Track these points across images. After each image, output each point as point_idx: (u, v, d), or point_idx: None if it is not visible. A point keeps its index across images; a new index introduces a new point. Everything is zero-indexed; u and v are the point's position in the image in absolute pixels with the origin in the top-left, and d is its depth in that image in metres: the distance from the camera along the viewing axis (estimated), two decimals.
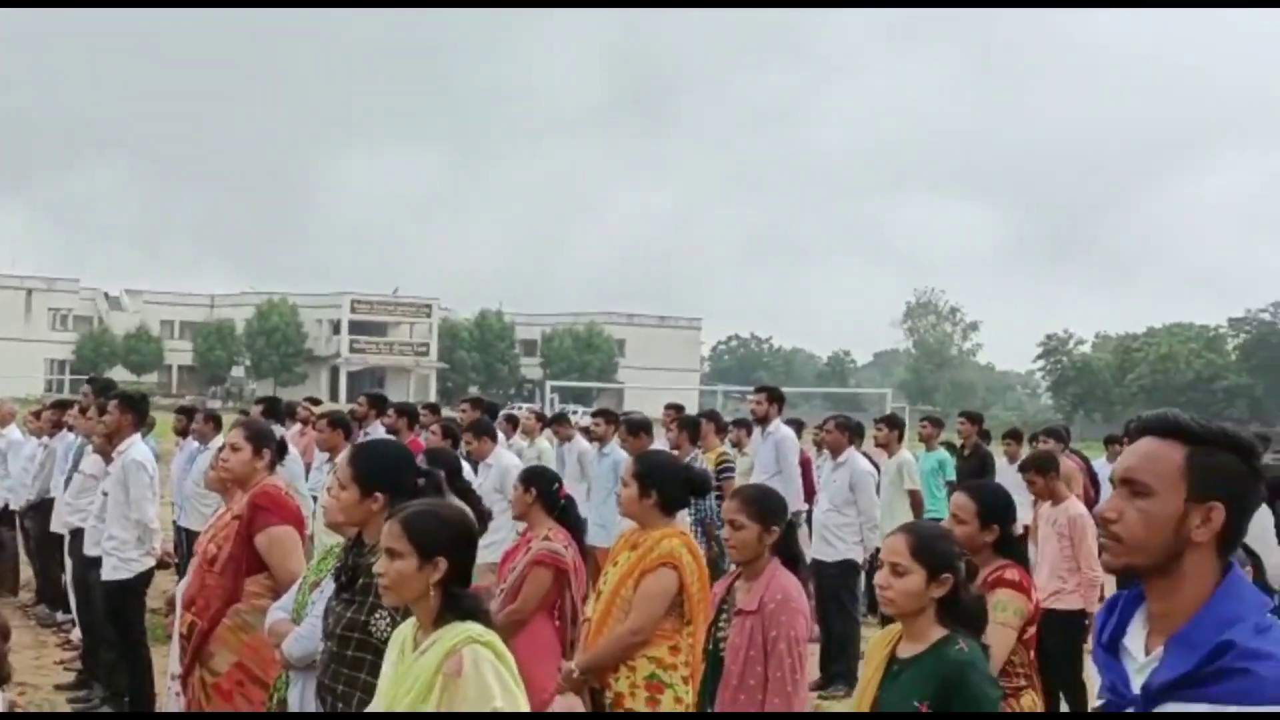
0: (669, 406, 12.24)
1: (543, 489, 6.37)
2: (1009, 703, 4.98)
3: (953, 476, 12.87)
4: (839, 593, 10.35)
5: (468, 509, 6.87)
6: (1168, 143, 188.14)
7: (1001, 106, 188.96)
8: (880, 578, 4.17)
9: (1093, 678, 2.58)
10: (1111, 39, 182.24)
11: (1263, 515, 8.96)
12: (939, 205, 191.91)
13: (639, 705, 5.38)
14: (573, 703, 5.53)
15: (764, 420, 11.28)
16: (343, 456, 4.98)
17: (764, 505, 5.09)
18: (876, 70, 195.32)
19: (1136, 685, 2.42)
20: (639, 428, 10.85)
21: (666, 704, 5.39)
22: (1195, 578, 2.42)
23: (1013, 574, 5.06)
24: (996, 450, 14.91)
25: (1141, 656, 2.45)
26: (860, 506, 10.41)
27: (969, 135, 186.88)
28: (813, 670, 10.34)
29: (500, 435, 13.86)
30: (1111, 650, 2.52)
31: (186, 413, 12.59)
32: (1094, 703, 2.52)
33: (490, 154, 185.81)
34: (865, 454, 11.95)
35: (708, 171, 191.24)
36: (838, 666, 10.30)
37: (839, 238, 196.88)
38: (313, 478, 11.20)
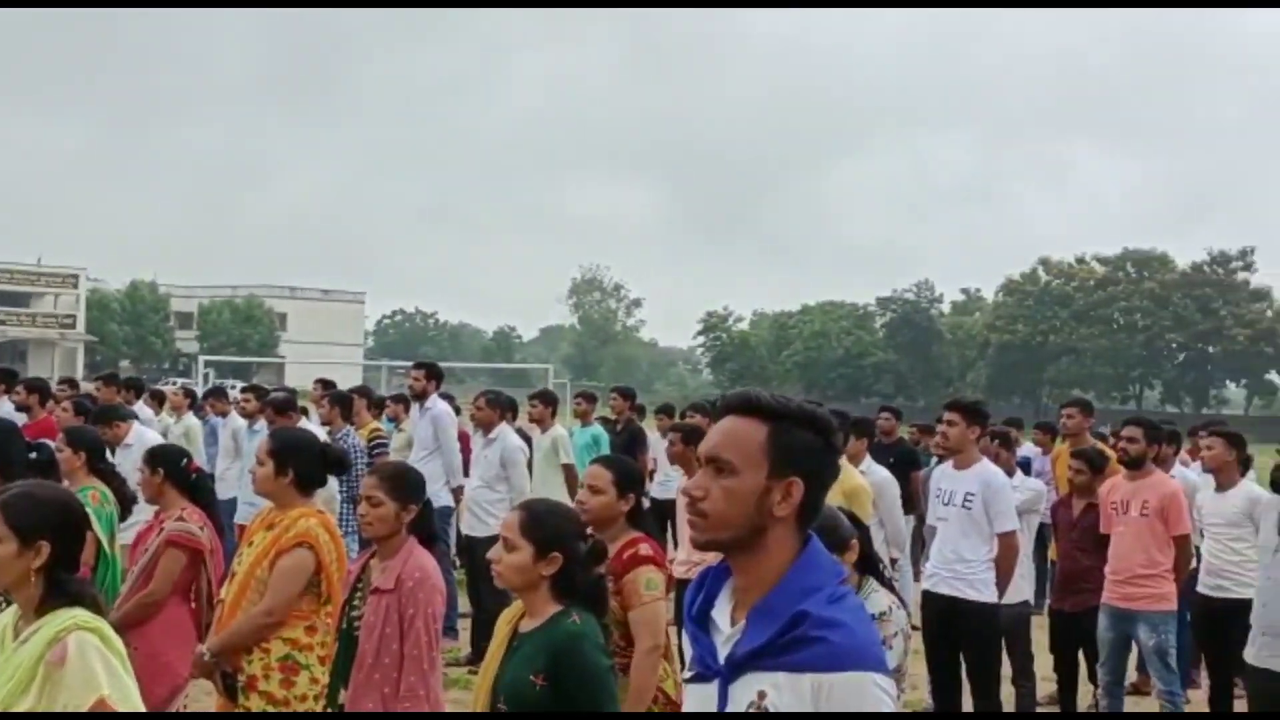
0: (318, 382, 12.01)
1: (171, 467, 6.16)
2: None
3: (607, 451, 13.09)
4: (490, 568, 10.38)
5: (107, 492, 6.64)
6: (822, 127, 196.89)
7: (665, 88, 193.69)
8: (491, 552, 4.24)
9: None
10: (770, 25, 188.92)
11: (890, 486, 9.51)
12: (606, 183, 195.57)
13: (273, 687, 5.30)
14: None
15: (422, 396, 11.20)
16: None
17: (402, 482, 5.08)
18: (547, 49, 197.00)
19: (722, 657, 2.49)
20: (285, 406, 10.61)
21: (302, 685, 5.33)
22: (776, 551, 2.50)
23: (647, 548, 5.18)
24: (650, 425, 15.28)
25: (727, 629, 2.52)
26: (512, 482, 10.49)
27: (635, 115, 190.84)
28: (465, 644, 10.41)
29: (150, 412, 13.40)
30: (701, 624, 2.59)
31: None
32: (683, 674, 2.59)
33: (146, 120, 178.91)
34: (520, 430, 12.06)
35: (376, 145, 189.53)
36: (486, 641, 10.33)
37: (508, 213, 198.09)
38: None
